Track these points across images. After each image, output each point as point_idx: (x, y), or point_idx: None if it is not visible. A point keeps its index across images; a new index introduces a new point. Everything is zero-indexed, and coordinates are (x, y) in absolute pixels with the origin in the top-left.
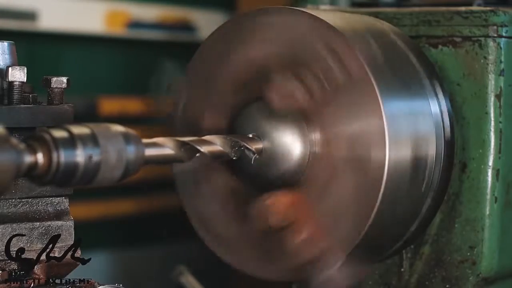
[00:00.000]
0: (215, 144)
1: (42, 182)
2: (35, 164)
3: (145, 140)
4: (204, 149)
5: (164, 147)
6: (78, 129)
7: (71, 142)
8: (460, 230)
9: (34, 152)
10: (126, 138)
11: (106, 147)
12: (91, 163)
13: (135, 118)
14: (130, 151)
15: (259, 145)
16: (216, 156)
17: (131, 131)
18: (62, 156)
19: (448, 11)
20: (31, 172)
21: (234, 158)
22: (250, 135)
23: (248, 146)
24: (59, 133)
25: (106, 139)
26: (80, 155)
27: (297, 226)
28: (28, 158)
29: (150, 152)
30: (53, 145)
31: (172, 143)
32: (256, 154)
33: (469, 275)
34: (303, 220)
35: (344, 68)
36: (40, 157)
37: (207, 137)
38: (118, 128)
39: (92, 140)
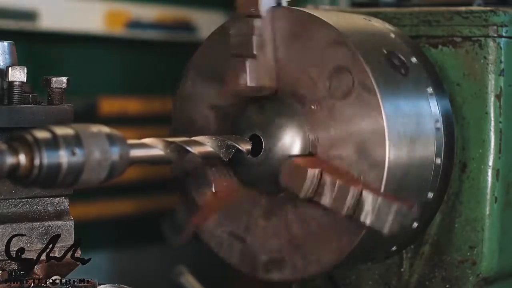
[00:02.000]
0: (205, 145)
1: (25, 183)
2: (17, 165)
3: (132, 141)
4: (194, 150)
5: (152, 147)
6: (62, 130)
7: (54, 142)
8: (460, 230)
9: (16, 153)
10: (110, 138)
11: (90, 147)
12: (75, 164)
13: (135, 118)
14: (115, 152)
15: (249, 146)
16: (206, 157)
17: (115, 132)
18: (45, 157)
19: (448, 11)
20: (14, 174)
21: (225, 159)
22: (245, 137)
23: (239, 147)
24: (41, 134)
25: (90, 139)
26: (63, 156)
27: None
28: (10, 159)
29: (137, 153)
30: (36, 146)
31: (161, 144)
32: (249, 155)
33: (469, 275)
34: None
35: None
36: (22, 158)
37: (197, 138)
38: (103, 128)
39: (76, 140)
